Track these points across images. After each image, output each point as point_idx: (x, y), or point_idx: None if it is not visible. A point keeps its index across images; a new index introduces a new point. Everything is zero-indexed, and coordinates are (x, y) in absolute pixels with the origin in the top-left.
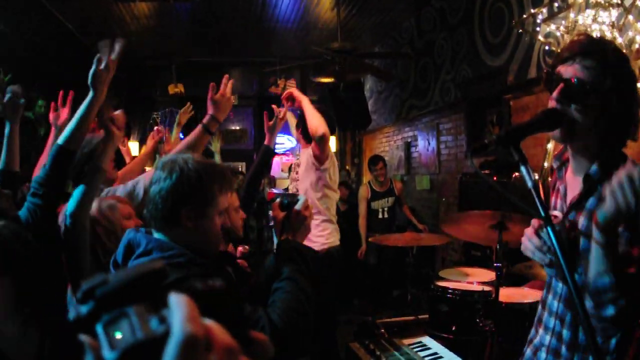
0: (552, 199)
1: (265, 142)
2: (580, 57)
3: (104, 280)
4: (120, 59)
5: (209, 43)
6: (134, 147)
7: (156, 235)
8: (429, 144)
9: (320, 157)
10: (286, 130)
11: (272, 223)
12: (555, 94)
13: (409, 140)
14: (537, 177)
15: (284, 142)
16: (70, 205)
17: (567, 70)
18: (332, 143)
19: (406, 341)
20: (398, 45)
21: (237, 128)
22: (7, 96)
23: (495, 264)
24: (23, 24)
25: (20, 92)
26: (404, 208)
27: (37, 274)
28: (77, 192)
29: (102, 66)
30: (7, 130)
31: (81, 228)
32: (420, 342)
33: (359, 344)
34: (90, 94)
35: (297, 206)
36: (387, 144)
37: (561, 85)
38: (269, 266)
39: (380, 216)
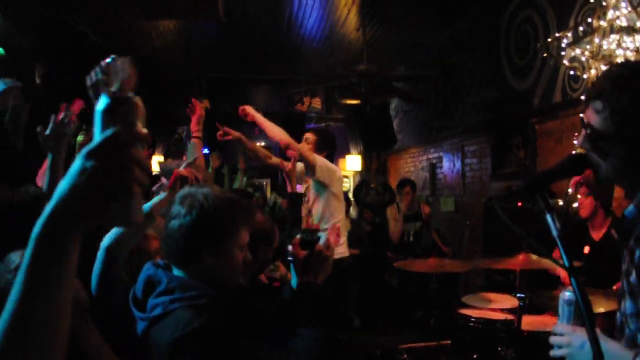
0: None
1: (289, 190)
2: (593, 98)
3: None
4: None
5: (234, 60)
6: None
7: (175, 271)
8: (454, 165)
9: (308, 165)
10: None
11: (290, 258)
12: (579, 139)
13: (434, 161)
14: (561, 203)
15: None
16: (107, 238)
17: (586, 114)
18: (357, 162)
19: None
20: (423, 66)
21: (262, 144)
22: (50, 126)
23: (518, 295)
24: (48, 41)
25: (67, 119)
26: (433, 233)
27: None
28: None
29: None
30: (49, 160)
31: (113, 262)
32: None
33: None
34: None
35: (320, 244)
36: (412, 165)
37: (583, 131)
38: (283, 299)
39: (405, 239)
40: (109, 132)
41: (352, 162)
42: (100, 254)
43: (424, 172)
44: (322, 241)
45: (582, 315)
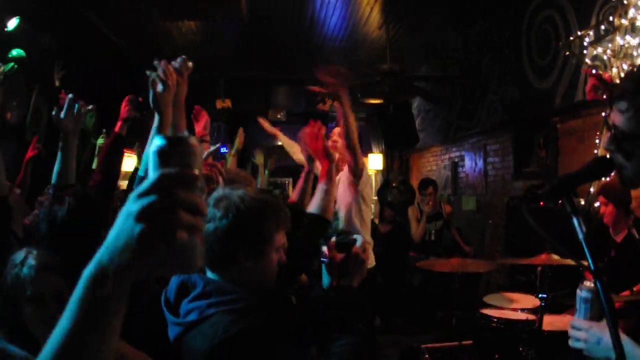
0: None
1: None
2: (617, 99)
3: None
4: (185, 75)
5: (256, 59)
6: None
7: (210, 275)
8: (476, 164)
9: (356, 172)
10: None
11: (323, 259)
12: (605, 141)
13: (456, 160)
14: (582, 202)
15: None
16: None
17: (611, 115)
18: (379, 161)
19: None
20: (445, 64)
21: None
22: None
23: (539, 295)
24: (73, 41)
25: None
26: (453, 231)
27: None
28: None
29: (159, 88)
30: (62, 143)
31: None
32: None
33: None
34: (156, 117)
35: (356, 246)
36: (434, 163)
37: (608, 132)
38: (317, 302)
39: (427, 238)
40: (158, 173)
41: (374, 161)
42: None
43: (446, 170)
44: (358, 243)
45: (601, 312)
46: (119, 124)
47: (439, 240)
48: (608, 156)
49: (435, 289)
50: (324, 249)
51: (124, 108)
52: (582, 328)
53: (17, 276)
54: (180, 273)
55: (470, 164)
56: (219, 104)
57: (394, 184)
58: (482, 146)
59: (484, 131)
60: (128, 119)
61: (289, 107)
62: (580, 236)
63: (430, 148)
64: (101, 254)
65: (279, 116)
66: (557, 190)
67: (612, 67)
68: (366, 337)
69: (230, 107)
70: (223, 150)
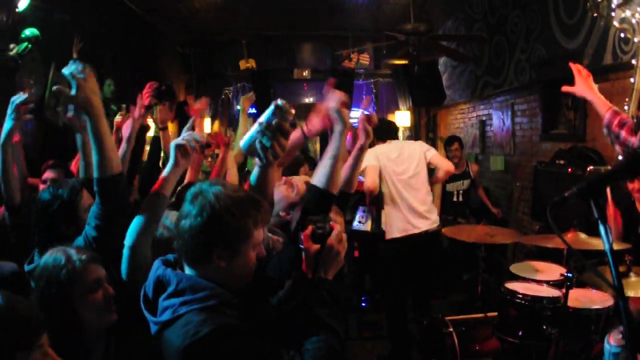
0: None
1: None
2: None
3: None
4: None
5: (278, 18)
6: (206, 124)
7: (187, 270)
8: (503, 124)
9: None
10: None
11: (301, 245)
12: (635, 141)
13: (484, 118)
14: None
15: (358, 115)
16: (128, 237)
17: None
18: (407, 118)
19: None
20: (471, 20)
21: (311, 101)
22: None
23: (566, 274)
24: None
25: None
26: (479, 191)
27: None
28: (135, 223)
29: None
30: (79, 141)
31: (142, 260)
32: None
33: None
34: (88, 119)
35: (332, 238)
36: (461, 121)
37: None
38: (283, 293)
39: (454, 199)
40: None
41: (402, 118)
42: (125, 252)
43: (474, 129)
44: (333, 235)
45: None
46: (139, 110)
47: (467, 201)
48: None
49: (462, 252)
50: (301, 236)
51: (146, 95)
52: None
53: (73, 270)
54: None
55: (498, 123)
56: (243, 65)
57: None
58: (510, 105)
59: (511, 90)
60: (150, 106)
61: (313, 65)
62: (606, 246)
63: (457, 105)
64: None
65: (304, 74)
66: (586, 191)
67: None
68: (339, 334)
69: (254, 67)
70: (251, 110)
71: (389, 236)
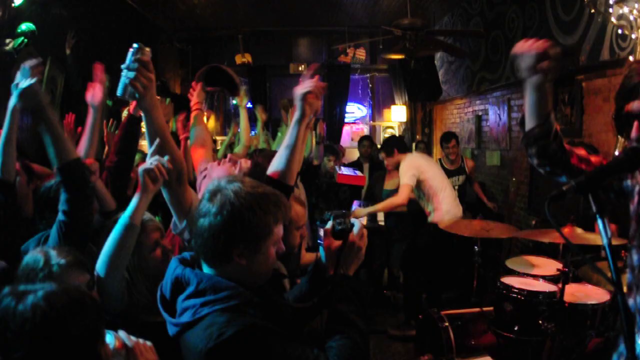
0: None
1: None
2: None
3: None
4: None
5: (275, 12)
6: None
7: (205, 269)
8: (500, 119)
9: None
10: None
11: (320, 240)
12: (633, 133)
13: (480, 113)
14: (616, 153)
15: (354, 110)
16: (100, 268)
17: (634, 105)
18: (403, 113)
19: None
20: (468, 15)
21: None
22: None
23: (563, 269)
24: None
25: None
26: (475, 186)
27: None
28: (106, 250)
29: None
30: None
31: (113, 291)
32: None
33: None
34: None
35: (354, 233)
36: (457, 116)
37: (636, 123)
38: (301, 289)
39: None
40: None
41: (397, 113)
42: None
43: (470, 124)
44: (356, 229)
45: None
46: (133, 103)
47: (462, 195)
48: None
49: (457, 248)
50: (321, 231)
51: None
52: None
53: (50, 275)
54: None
55: (495, 118)
56: (239, 59)
57: (418, 137)
58: (507, 100)
59: (508, 85)
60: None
61: (309, 60)
62: (605, 241)
63: (453, 100)
64: None
65: (300, 69)
66: (584, 186)
67: (638, 27)
68: (363, 331)
69: (250, 62)
70: (249, 105)
71: (437, 219)
